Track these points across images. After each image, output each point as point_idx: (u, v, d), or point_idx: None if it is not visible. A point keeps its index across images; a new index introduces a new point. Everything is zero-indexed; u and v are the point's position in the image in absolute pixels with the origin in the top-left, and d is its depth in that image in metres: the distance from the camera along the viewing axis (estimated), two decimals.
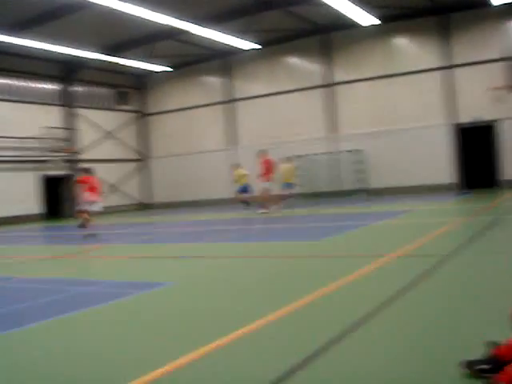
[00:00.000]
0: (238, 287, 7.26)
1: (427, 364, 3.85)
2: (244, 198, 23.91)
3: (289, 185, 26.75)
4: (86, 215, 17.80)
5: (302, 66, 32.27)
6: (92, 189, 17.78)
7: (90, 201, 17.70)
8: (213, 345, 4.57)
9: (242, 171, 24.44)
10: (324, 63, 31.32)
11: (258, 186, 22.35)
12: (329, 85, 31.19)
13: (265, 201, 21.71)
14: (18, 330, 5.78)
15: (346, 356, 4.13)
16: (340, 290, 6.45)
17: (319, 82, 31.53)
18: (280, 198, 22.06)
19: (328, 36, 30.98)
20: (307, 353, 4.19)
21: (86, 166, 21.84)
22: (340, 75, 30.96)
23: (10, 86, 30.80)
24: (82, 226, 18.09)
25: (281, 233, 14.84)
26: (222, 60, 34.54)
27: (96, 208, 18.06)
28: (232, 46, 30.78)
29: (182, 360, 4.23)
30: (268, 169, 21.92)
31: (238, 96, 34.48)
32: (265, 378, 3.74)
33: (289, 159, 27.34)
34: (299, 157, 30.87)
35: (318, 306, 5.81)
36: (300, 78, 32.15)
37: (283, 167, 26.18)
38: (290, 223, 17.59)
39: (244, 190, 23.89)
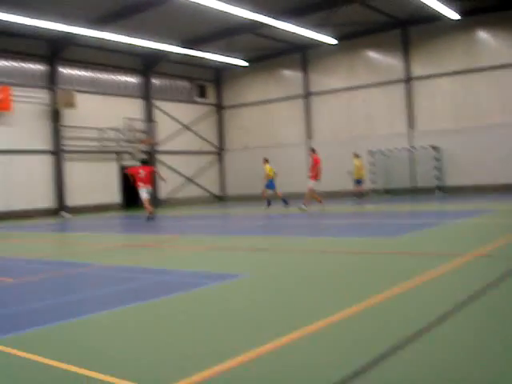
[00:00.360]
0: (312, 282, 7.28)
1: (504, 366, 3.79)
2: (268, 195, 24.66)
3: (359, 181, 26.98)
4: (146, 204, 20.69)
5: (380, 60, 31.85)
6: (141, 179, 20.48)
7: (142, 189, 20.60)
8: (284, 339, 4.59)
9: (269, 167, 24.94)
10: (403, 57, 30.84)
11: (308, 183, 21.70)
12: (407, 79, 30.71)
13: (308, 198, 21.26)
14: (95, 314, 5.98)
15: (418, 357, 4.08)
16: (416, 289, 6.37)
17: (398, 77, 31.06)
18: (314, 197, 21.58)
19: (407, 30, 30.48)
20: (378, 351, 4.17)
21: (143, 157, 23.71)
22: (418, 70, 30.41)
23: (93, 78, 31.69)
24: (150, 217, 20.61)
25: (355, 229, 14.74)
26: (300, 54, 34.51)
27: (145, 194, 20.56)
28: (310, 40, 30.74)
29: (253, 353, 4.27)
30: (316, 167, 21.20)
31: (314, 90, 34.38)
32: (334, 376, 3.76)
33: (357, 155, 27.43)
34: (374, 152, 30.61)
35: (392, 304, 5.75)
36: (378, 72, 31.76)
37: (354, 163, 26.49)
38: (365, 219, 17.45)
39: (270, 185, 24.54)
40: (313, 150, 22.01)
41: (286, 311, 5.73)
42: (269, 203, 24.10)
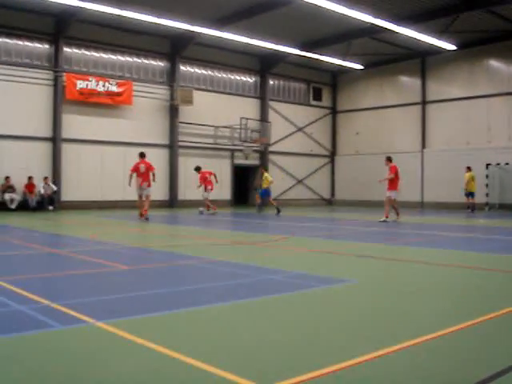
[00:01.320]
0: (419, 293, 7.07)
1: None
2: (260, 201, 26.29)
3: (470, 194, 26.28)
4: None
5: (502, 69, 30.68)
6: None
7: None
8: (388, 349, 4.46)
9: (268, 176, 26.18)
10: None
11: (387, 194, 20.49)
12: None
13: (387, 208, 20.15)
14: (206, 307, 6.06)
15: None
16: None
17: None
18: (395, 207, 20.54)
19: None
20: (488, 371, 3.99)
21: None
22: None
23: (211, 77, 32.36)
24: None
25: (463, 242, 14.24)
26: (418, 60, 33.81)
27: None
28: (429, 46, 30.05)
29: (356, 360, 4.19)
30: (395, 176, 20.15)
31: (431, 98, 33.56)
32: None
33: (469, 168, 26.69)
34: (491, 165, 29.52)
35: (502, 325, 5.51)
36: (500, 82, 30.60)
37: (466, 176, 25.90)
38: (475, 233, 16.84)
39: (264, 193, 26.06)
40: (389, 159, 20.84)
41: (391, 321, 5.58)
42: (260, 208, 26.20)
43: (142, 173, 20.34)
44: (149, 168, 20.49)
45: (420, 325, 5.37)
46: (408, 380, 3.83)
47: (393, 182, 20.16)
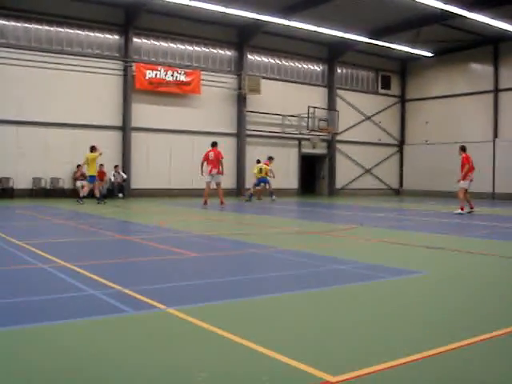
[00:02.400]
0: (495, 286, 6.90)
1: None
2: (254, 191, 25.91)
3: None
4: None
5: None
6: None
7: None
8: (459, 343, 4.35)
9: (261, 166, 25.88)
10: None
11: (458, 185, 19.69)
12: None
13: (460, 200, 19.21)
14: (274, 295, 6.07)
15: None
16: None
17: None
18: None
19: None
20: None
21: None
22: None
23: (278, 65, 32.33)
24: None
25: None
26: (490, 47, 32.78)
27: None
28: (503, 32, 29.06)
29: (427, 353, 4.10)
30: (467, 166, 19.39)
31: (504, 86, 32.55)
32: None
33: None
34: None
35: None
36: None
37: None
38: None
39: (261, 182, 25.73)
40: (462, 149, 20.08)
41: (461, 314, 5.46)
42: (250, 196, 25.55)
43: (212, 160, 21.18)
44: (217, 156, 21.11)
45: (493, 318, 5.25)
46: (473, 376, 3.74)
47: (464, 172, 19.46)
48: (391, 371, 3.74)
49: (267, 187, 26.11)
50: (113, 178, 26.28)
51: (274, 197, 25.62)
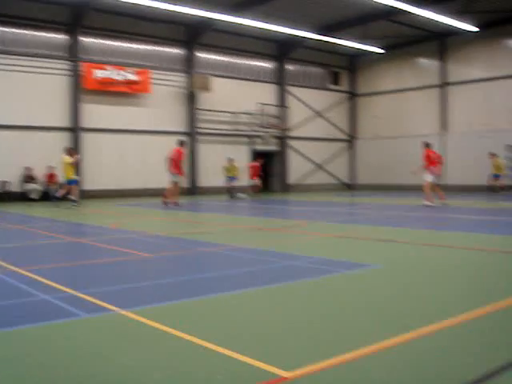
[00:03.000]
0: (448, 277, 7.03)
1: None
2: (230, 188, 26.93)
3: (496, 176, 26.67)
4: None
5: None
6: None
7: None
8: (413, 333, 4.43)
9: (234, 164, 27.51)
10: None
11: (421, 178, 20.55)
12: None
13: (427, 194, 19.77)
14: (226, 293, 6.08)
15: None
16: None
17: None
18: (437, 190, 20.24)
19: None
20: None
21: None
22: None
23: (228, 63, 32.30)
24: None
25: (487, 225, 14.11)
26: (437, 42, 33.38)
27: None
28: (449, 27, 29.63)
29: (379, 345, 4.15)
30: (430, 161, 19.98)
31: (451, 80, 33.18)
32: (463, 376, 3.58)
33: (493, 155, 27.01)
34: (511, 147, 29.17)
35: None
36: None
37: (493, 161, 26.23)
38: (499, 216, 16.69)
39: (231, 180, 27.17)
40: (426, 145, 20.63)
41: (415, 306, 5.54)
42: (232, 194, 26.70)
43: (172, 159, 21.21)
44: (176, 155, 21.16)
45: (444, 309, 5.34)
46: (432, 364, 3.80)
47: (427, 167, 19.97)
48: (346, 364, 3.79)
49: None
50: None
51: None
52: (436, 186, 20.30)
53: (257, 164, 29.16)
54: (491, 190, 27.69)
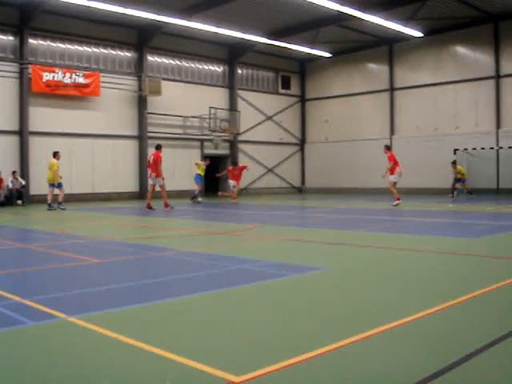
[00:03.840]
0: (393, 278, 7.17)
1: None
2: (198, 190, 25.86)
3: (458, 180, 27.63)
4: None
5: (469, 55, 30.97)
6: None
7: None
8: (360, 335, 4.51)
9: (200, 163, 26.45)
10: (493, 54, 29.88)
11: (388, 180, 22.23)
12: (497, 76, 29.74)
13: (393, 193, 21.64)
14: (175, 299, 6.07)
15: (498, 362, 3.97)
16: (499, 293, 6.18)
17: (487, 73, 30.15)
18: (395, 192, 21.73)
19: (498, 25, 29.49)
20: (457, 355, 4.05)
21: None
22: (509, 67, 29.40)
23: (179, 67, 32.23)
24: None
25: (435, 227, 14.41)
26: (386, 47, 34.00)
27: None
28: (397, 33, 30.26)
29: (326, 348, 4.21)
30: (395, 162, 21.64)
31: (399, 85, 33.82)
32: (408, 377, 3.68)
33: (454, 162, 27.95)
34: (458, 151, 29.84)
35: (473, 307, 5.59)
36: (466, 68, 30.91)
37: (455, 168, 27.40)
38: (446, 218, 17.05)
39: (198, 180, 25.89)
40: (388, 148, 22.53)
41: (362, 308, 5.65)
42: (195, 197, 25.63)
43: (151, 163, 21.47)
44: (155, 159, 21.34)
45: (390, 310, 5.45)
46: (377, 366, 3.89)
47: (392, 168, 21.67)
48: (294, 367, 3.83)
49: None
50: (11, 185, 25.40)
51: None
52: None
53: (243, 166, 27.31)
54: (453, 192, 28.59)
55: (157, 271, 8.16)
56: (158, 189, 21.91)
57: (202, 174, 26.11)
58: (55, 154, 21.84)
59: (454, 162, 28.75)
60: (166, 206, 21.41)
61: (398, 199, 21.31)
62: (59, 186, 21.91)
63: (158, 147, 21.66)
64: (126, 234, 13.96)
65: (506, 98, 29.54)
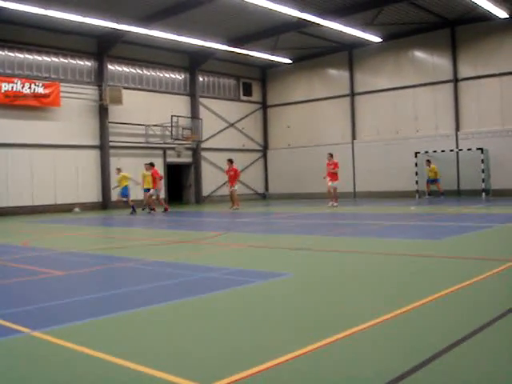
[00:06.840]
0: (357, 282, 7.25)
1: None
2: (130, 202, 25.26)
3: (433, 180, 28.32)
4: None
5: (427, 60, 31.45)
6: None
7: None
8: (327, 340, 4.56)
9: (125, 174, 25.74)
10: (450, 58, 30.40)
11: (327, 185, 24.77)
12: (455, 80, 30.26)
13: (331, 196, 24.52)
14: (140, 309, 6.05)
15: (463, 361, 4.05)
16: (462, 293, 6.30)
17: (445, 77, 30.65)
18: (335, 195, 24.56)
19: (455, 30, 30.04)
20: (423, 356, 4.12)
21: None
22: (466, 70, 29.94)
23: (140, 75, 32.10)
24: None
25: (398, 230, 14.59)
26: (346, 53, 34.31)
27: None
28: (356, 39, 30.62)
29: (295, 353, 4.23)
30: (334, 169, 24.31)
31: (359, 90, 34.16)
32: (376, 379, 3.73)
33: (429, 161, 28.54)
34: (418, 153, 30.25)
35: (437, 308, 5.69)
36: (425, 72, 31.37)
37: (429, 167, 29.25)
38: (410, 221, 17.27)
39: (125, 193, 25.28)
40: (332, 155, 24.92)
41: (328, 312, 5.71)
42: (133, 208, 25.02)
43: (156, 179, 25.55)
44: (152, 175, 25.38)
45: (356, 314, 5.51)
46: (344, 370, 3.94)
47: (335, 174, 24.27)
48: (263, 374, 3.85)
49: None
50: None
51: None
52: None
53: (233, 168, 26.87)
54: (428, 194, 29.35)
55: (121, 282, 8.11)
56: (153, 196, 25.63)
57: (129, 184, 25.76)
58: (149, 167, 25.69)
59: (429, 161, 29.43)
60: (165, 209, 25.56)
61: (336, 201, 24.44)
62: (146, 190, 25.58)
63: (152, 164, 25.76)
64: (89, 244, 13.84)
65: (464, 101, 30.05)
